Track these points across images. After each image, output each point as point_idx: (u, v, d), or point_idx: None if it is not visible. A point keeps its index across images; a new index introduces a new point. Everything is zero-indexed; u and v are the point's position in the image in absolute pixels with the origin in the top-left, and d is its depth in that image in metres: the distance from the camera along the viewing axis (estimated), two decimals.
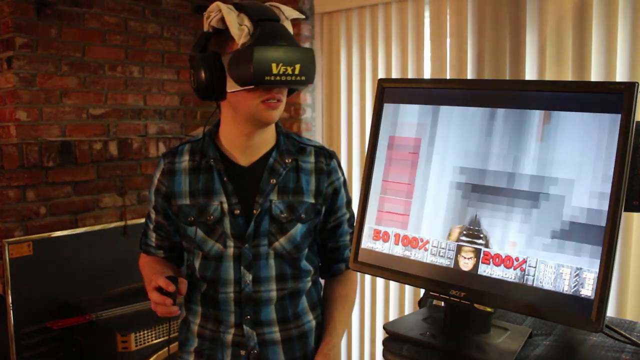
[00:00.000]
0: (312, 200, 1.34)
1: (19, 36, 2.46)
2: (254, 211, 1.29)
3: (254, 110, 1.23)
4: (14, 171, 2.38)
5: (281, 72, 1.16)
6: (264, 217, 1.30)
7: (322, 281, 1.49)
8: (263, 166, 1.32)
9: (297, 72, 1.18)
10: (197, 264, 1.33)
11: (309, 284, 1.39)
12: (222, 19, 1.21)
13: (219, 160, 1.31)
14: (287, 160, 1.32)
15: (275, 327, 1.33)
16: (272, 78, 1.16)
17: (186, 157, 1.34)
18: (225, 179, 1.30)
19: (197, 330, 1.36)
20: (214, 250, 1.30)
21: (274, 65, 1.15)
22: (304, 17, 1.28)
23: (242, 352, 1.31)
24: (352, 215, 1.44)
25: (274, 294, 1.31)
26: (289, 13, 1.25)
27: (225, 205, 1.29)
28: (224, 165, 1.31)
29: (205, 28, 1.25)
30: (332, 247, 1.42)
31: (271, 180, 1.30)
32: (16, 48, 2.45)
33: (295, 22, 2.69)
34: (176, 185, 1.33)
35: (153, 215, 1.41)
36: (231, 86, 1.21)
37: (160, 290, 1.20)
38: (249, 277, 1.29)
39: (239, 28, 1.19)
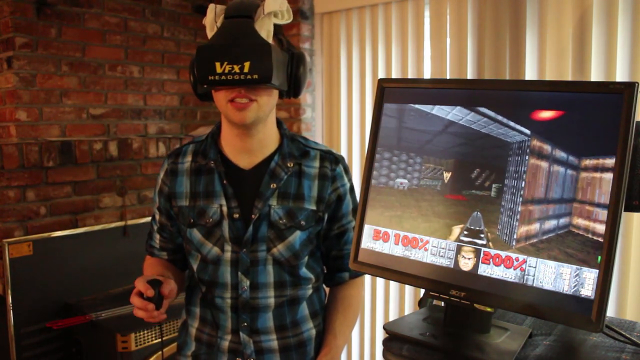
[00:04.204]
0: (313, 207, 1.29)
1: (19, 36, 2.46)
2: (252, 216, 1.26)
3: (225, 111, 1.21)
4: (14, 171, 2.38)
5: (227, 71, 1.10)
6: (262, 222, 1.26)
7: (327, 289, 1.45)
8: (264, 170, 1.28)
9: (246, 70, 1.10)
10: (195, 267, 1.32)
11: (310, 291, 1.35)
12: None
13: (219, 162, 1.28)
14: (289, 164, 1.28)
15: (272, 335, 1.29)
16: (216, 78, 1.11)
17: (189, 158, 1.32)
18: (225, 181, 1.27)
19: (195, 334, 1.34)
20: (211, 254, 1.28)
21: (217, 64, 1.10)
22: (283, 8, 1.22)
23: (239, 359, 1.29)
24: None
25: (271, 300, 1.28)
26: (269, 8, 1.17)
27: (225, 209, 1.27)
28: (224, 168, 1.28)
29: None
30: (335, 255, 1.38)
31: (271, 185, 1.27)
32: (16, 48, 2.45)
33: (295, 22, 2.70)
34: (177, 186, 1.32)
35: (157, 216, 1.39)
36: (198, 87, 1.22)
37: (141, 295, 1.15)
38: (246, 282, 1.26)
39: (212, 28, 1.18)
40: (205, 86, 1.16)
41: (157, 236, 1.40)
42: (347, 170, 1.36)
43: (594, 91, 0.86)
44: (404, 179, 1.03)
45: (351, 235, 1.37)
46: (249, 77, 1.11)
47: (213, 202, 1.28)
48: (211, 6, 1.19)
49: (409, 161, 1.03)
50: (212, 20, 1.18)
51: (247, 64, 1.10)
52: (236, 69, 1.10)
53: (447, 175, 0.98)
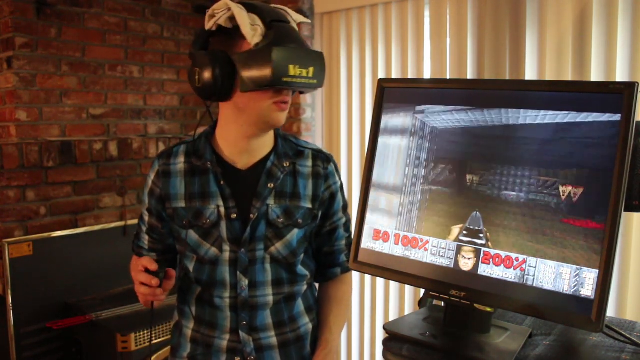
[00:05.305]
0: (309, 205, 1.32)
1: (19, 36, 2.46)
2: (251, 216, 1.27)
3: (265, 112, 1.21)
4: (14, 171, 2.38)
5: (297, 74, 1.15)
6: (260, 221, 1.28)
7: (316, 284, 1.47)
8: (261, 170, 1.29)
9: (310, 74, 1.17)
10: (191, 267, 1.32)
11: (305, 287, 1.38)
12: (231, 18, 1.18)
13: (215, 163, 1.28)
14: (285, 164, 1.30)
15: (271, 332, 1.31)
16: (290, 80, 1.15)
17: (181, 159, 1.32)
18: (222, 182, 1.28)
19: (190, 335, 1.34)
20: (209, 255, 1.28)
21: (291, 67, 1.14)
22: (309, 21, 1.28)
23: (238, 359, 1.29)
24: (349, 219, 1.43)
25: (270, 298, 1.30)
26: (296, 17, 1.25)
27: (222, 209, 1.27)
28: (220, 169, 1.28)
29: (208, 26, 1.20)
30: (327, 251, 1.41)
31: (269, 185, 1.28)
32: (16, 48, 2.45)
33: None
34: (171, 187, 1.31)
35: (146, 218, 1.37)
36: (243, 86, 1.17)
37: (146, 273, 1.19)
38: (245, 282, 1.28)
39: (252, 28, 1.16)
40: (266, 87, 1.17)
41: (146, 237, 1.39)
42: (337, 169, 1.41)
43: (594, 91, 0.86)
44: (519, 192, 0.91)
45: (341, 232, 1.41)
46: (311, 81, 1.19)
47: (210, 203, 1.28)
48: (234, 5, 1.18)
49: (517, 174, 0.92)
50: (248, 20, 1.17)
51: (311, 69, 1.18)
52: (304, 73, 1.17)
53: (564, 191, 0.87)
